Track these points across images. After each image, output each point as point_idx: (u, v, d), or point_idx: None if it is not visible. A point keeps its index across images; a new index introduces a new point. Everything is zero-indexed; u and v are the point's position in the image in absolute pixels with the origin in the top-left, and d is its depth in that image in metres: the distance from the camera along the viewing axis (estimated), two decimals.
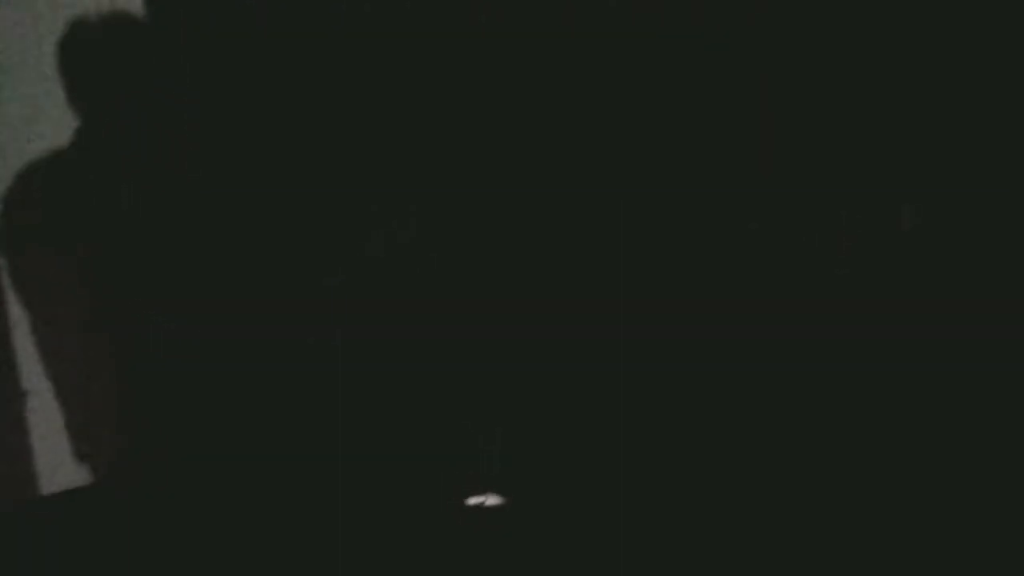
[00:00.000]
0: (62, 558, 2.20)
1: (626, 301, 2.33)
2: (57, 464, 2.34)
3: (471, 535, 2.23)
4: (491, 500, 2.28)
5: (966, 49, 2.10)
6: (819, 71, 2.21)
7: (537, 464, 2.36)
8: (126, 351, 2.36)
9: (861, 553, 2.03)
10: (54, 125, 2.25)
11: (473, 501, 2.28)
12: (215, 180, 2.35)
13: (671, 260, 2.34)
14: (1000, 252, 2.10)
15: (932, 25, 2.12)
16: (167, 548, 2.20)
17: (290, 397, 2.35)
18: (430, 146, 2.40)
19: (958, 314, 2.07)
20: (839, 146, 2.22)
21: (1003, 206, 2.10)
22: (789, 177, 2.26)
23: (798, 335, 2.18)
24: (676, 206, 2.33)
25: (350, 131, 2.39)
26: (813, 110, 2.23)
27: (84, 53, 2.24)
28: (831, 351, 2.16)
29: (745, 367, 2.23)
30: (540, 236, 2.39)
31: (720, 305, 2.26)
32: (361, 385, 2.37)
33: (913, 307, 2.10)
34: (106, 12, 2.23)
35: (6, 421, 2.29)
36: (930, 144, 2.14)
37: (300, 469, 2.32)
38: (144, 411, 2.38)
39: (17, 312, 2.27)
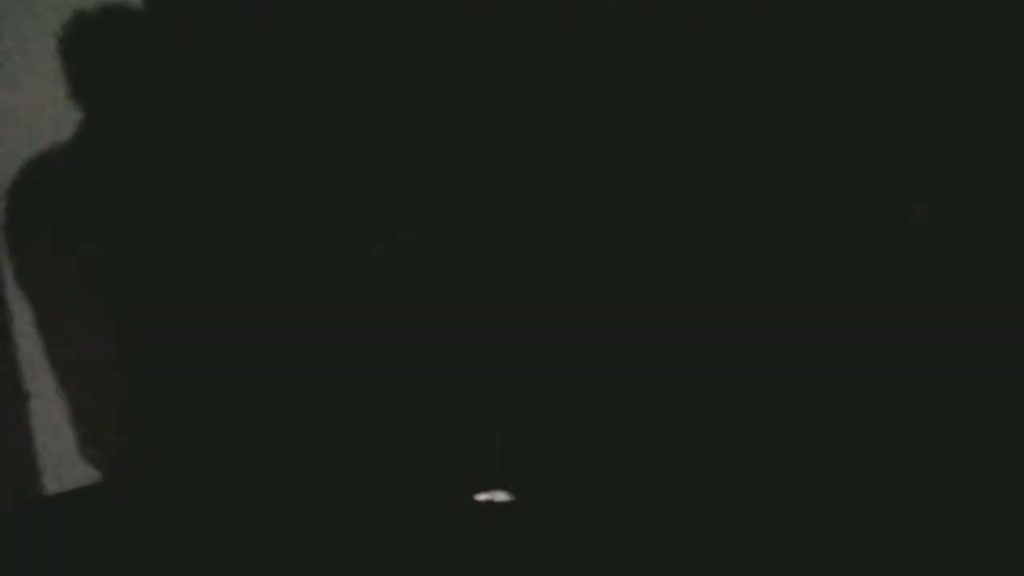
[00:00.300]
0: (63, 558, 2.20)
1: (626, 301, 2.33)
2: (59, 465, 2.34)
3: (472, 535, 2.23)
4: (499, 497, 2.28)
5: (977, 42, 2.10)
6: (821, 66, 2.22)
7: (537, 464, 2.37)
8: (127, 351, 2.36)
9: (863, 553, 2.04)
10: (55, 124, 2.25)
11: (482, 497, 2.28)
12: (216, 179, 2.35)
13: (671, 259, 2.34)
14: (1010, 251, 2.10)
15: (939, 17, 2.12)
16: (168, 548, 2.20)
17: (291, 397, 2.35)
18: (432, 145, 2.40)
19: (967, 314, 2.07)
20: (841, 143, 2.22)
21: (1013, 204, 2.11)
22: (789, 175, 2.26)
23: (800, 335, 2.18)
24: (676, 205, 2.33)
25: (349, 130, 2.39)
26: (815, 106, 2.23)
27: (85, 51, 2.24)
28: (835, 352, 2.16)
29: (746, 367, 2.23)
30: (540, 235, 2.39)
31: (719, 305, 2.26)
32: (361, 385, 2.37)
33: (921, 307, 2.10)
34: (107, 11, 2.23)
35: (7, 422, 2.29)
36: (938, 141, 2.14)
37: (301, 469, 2.32)
38: (145, 411, 2.38)
39: (18, 312, 2.27)
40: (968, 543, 1.99)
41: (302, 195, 2.38)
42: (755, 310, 2.22)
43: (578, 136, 2.37)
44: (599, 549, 2.13)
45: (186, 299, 2.34)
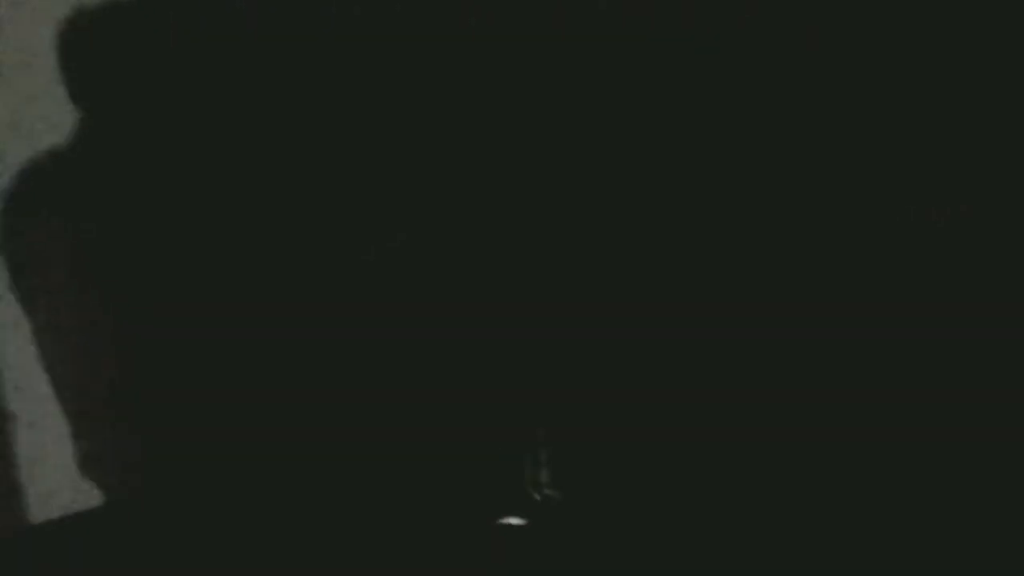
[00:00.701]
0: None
1: (625, 304, 2.34)
2: (47, 489, 2.28)
3: (472, 538, 2.23)
4: (515, 520, 2.27)
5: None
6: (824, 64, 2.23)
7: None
8: (127, 357, 2.31)
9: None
10: (53, 125, 2.21)
11: (504, 521, 2.27)
12: (206, 182, 2.32)
13: (666, 262, 2.35)
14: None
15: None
16: (171, 555, 2.16)
17: (293, 400, 2.33)
18: (421, 149, 2.39)
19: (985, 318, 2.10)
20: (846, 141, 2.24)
21: None
22: (792, 176, 2.27)
23: (811, 338, 2.20)
24: (673, 205, 2.34)
25: (338, 133, 2.37)
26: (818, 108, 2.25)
27: (82, 53, 2.20)
28: (846, 355, 2.19)
29: (763, 371, 2.25)
30: (533, 238, 2.39)
31: (727, 308, 2.27)
32: (358, 388, 2.35)
33: (937, 310, 2.13)
34: (102, 15, 2.20)
35: None
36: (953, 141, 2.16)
37: (301, 477, 2.30)
38: (147, 419, 2.34)
39: (10, 320, 2.21)
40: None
41: (291, 197, 2.36)
42: (767, 313, 2.24)
43: (569, 139, 2.37)
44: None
45: (187, 302, 2.31)
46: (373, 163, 2.38)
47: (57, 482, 2.30)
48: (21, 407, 2.25)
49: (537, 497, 2.30)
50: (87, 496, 2.32)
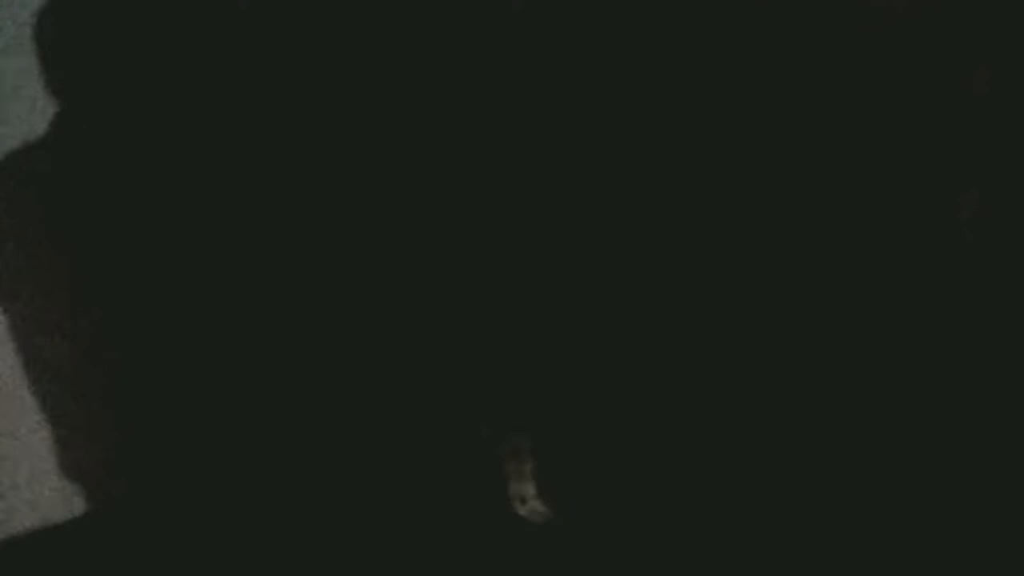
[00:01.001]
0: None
1: (625, 304, 2.34)
2: (53, 477, 2.27)
3: (470, 540, 2.22)
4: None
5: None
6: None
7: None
8: (127, 357, 2.30)
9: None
10: (49, 124, 2.21)
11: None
12: (214, 180, 2.32)
13: (666, 262, 2.35)
14: None
15: None
16: (169, 557, 2.15)
17: (293, 403, 2.32)
18: (421, 148, 2.39)
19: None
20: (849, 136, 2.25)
21: None
22: (791, 176, 2.28)
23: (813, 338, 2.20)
24: (672, 204, 2.34)
25: (339, 133, 2.37)
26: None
27: (81, 48, 2.21)
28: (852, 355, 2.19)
29: (760, 371, 2.25)
30: (533, 240, 2.39)
31: (727, 308, 2.27)
32: (360, 389, 2.35)
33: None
34: (102, 10, 2.19)
35: None
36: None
37: (301, 483, 2.29)
38: (145, 419, 2.33)
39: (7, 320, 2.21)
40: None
41: (291, 197, 2.36)
42: (769, 312, 2.24)
43: (569, 139, 2.37)
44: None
45: (183, 302, 2.30)
46: (373, 163, 2.38)
47: (54, 484, 2.29)
48: (16, 408, 2.24)
49: (521, 511, 2.30)
50: (82, 499, 2.31)
